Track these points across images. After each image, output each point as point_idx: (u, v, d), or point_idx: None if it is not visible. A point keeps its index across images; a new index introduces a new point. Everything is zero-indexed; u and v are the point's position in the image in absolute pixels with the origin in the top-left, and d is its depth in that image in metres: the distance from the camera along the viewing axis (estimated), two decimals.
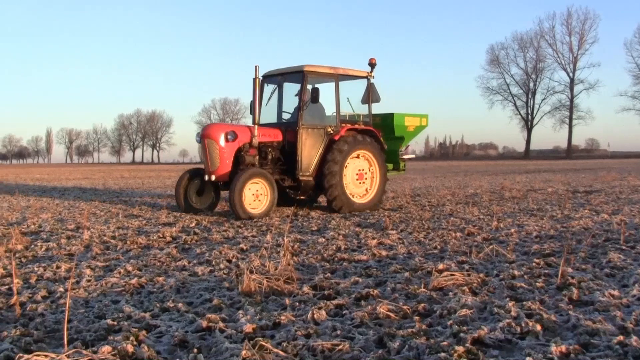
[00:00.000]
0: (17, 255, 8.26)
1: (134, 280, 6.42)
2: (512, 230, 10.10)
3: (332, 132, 14.55)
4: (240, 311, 5.10)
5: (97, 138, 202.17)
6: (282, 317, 4.86)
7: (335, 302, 5.39)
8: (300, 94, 14.51)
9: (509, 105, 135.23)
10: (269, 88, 15.62)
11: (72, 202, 18.31)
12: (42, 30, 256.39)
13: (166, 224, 11.86)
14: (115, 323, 4.82)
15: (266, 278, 6.05)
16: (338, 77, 14.85)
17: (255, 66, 13.72)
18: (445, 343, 4.09)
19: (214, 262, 7.58)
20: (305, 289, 5.95)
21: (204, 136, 13.91)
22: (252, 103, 14.14)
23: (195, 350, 4.14)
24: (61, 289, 6.13)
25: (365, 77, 15.48)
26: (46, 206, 16.90)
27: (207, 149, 13.77)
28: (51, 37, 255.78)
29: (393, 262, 7.49)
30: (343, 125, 14.74)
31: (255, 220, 12.55)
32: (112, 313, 5.22)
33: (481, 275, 6.44)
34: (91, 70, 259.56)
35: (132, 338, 4.27)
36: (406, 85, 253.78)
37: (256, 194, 13.29)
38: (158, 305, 5.47)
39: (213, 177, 13.73)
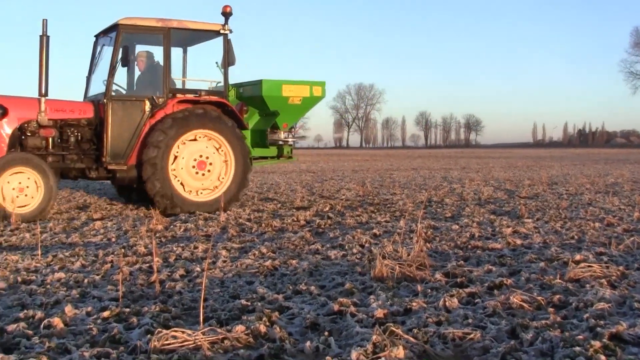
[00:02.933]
0: (157, 235, 8.57)
1: (268, 262, 6.54)
2: None
3: (156, 106, 11.44)
4: (371, 296, 5.10)
5: None
6: (414, 304, 4.83)
7: (467, 290, 5.31)
8: (112, 55, 11.31)
9: None
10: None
11: None
12: None
13: (300, 208, 12.02)
14: (249, 303, 4.92)
15: (398, 264, 6.02)
16: (169, 32, 11.53)
17: (43, 20, 10.61)
18: (580, 337, 3.94)
19: (347, 247, 7.61)
20: (438, 275, 5.89)
21: None
22: (39, 69, 10.70)
23: (326, 333, 4.18)
24: (198, 269, 6.32)
25: (217, 33, 12.11)
26: None
27: None
28: None
29: (528, 251, 7.30)
30: (177, 96, 11.68)
31: (388, 205, 12.44)
32: (246, 293, 5.34)
33: (620, 267, 6.17)
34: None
35: (264, 319, 4.34)
36: (545, 72, 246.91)
37: (21, 188, 10.33)
38: (291, 287, 5.55)
39: None
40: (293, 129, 13.48)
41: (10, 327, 4.24)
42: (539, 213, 10.97)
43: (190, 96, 11.73)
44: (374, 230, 8.82)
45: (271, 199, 13.93)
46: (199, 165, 11.64)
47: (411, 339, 3.98)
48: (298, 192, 15.77)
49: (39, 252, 7.20)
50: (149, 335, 4.02)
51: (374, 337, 3.85)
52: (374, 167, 34.08)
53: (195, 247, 7.59)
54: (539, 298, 4.99)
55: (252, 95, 12.85)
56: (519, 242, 7.87)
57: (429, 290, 5.37)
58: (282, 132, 13.02)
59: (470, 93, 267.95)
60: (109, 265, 6.61)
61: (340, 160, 46.43)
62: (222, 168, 11.83)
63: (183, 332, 3.98)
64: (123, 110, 11.29)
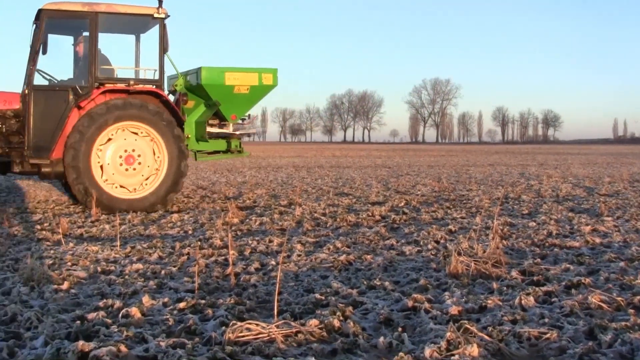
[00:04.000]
0: (233, 228, 8.66)
1: (342, 257, 6.54)
2: None
3: (80, 96, 10.65)
4: (446, 293, 5.05)
5: (309, 117, 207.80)
6: (489, 301, 4.76)
7: (544, 288, 5.20)
8: (33, 42, 10.70)
9: None
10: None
11: (285, 179, 18.96)
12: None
13: (376, 203, 11.98)
14: (323, 298, 4.93)
15: (474, 260, 5.95)
16: (96, 17, 10.71)
17: None
18: None
19: (421, 243, 7.56)
20: (514, 273, 5.80)
21: None
22: None
23: (400, 329, 4.16)
24: (273, 262, 6.36)
25: (151, 17, 11.22)
26: (261, 182, 17.63)
27: None
28: (267, 19, 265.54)
29: (607, 250, 7.11)
30: (107, 84, 10.91)
31: (464, 201, 12.31)
32: (321, 288, 5.34)
33: None
34: (304, 51, 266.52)
35: (338, 313, 4.34)
36: (627, 65, 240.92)
37: None
38: (365, 282, 5.53)
39: None
40: (245, 121, 12.55)
41: (91, 316, 4.34)
42: (620, 211, 10.68)
43: (120, 85, 10.95)
44: (450, 227, 8.73)
45: (346, 194, 13.93)
46: (127, 160, 10.87)
47: (486, 337, 3.92)
48: (373, 187, 15.74)
49: (118, 243, 7.37)
50: (223, 327, 4.06)
51: (448, 334, 3.80)
52: (450, 162, 33.78)
53: (271, 241, 7.64)
54: (619, 299, 4.85)
55: (193, 84, 11.80)
56: (598, 240, 7.67)
57: (505, 288, 5.28)
58: (230, 125, 12.22)
59: (548, 88, 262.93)
60: (186, 257, 6.71)
61: (416, 156, 46.19)
62: (154, 164, 11.00)
63: (257, 325, 4.00)
64: (46, 100, 10.65)
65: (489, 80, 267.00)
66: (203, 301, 4.77)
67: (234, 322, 4.04)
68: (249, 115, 12.57)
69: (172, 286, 5.39)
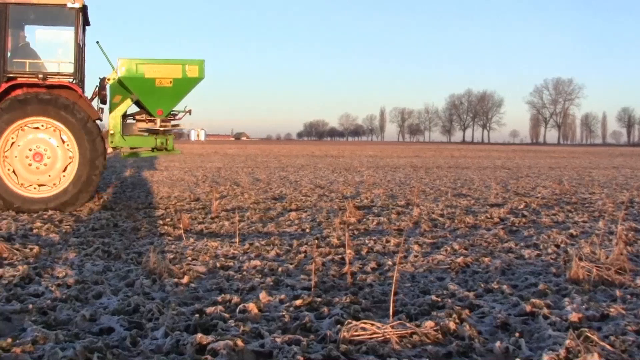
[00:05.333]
0: (350, 227, 8.68)
1: (459, 259, 6.46)
2: None
3: None
4: (566, 299, 4.91)
5: (428, 117, 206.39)
6: (611, 309, 4.59)
7: None
8: None
9: None
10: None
11: (403, 179, 18.88)
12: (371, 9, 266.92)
13: (494, 205, 11.78)
14: (439, 299, 4.88)
15: (596, 266, 5.75)
16: (7, 8, 10.30)
17: None
18: None
19: (541, 246, 7.37)
20: (639, 281, 5.57)
21: None
22: None
23: (517, 334, 4.07)
24: (389, 262, 6.34)
25: (65, 6, 10.60)
26: (378, 182, 17.60)
27: None
28: (387, 18, 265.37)
29: None
30: (20, 79, 10.54)
31: (587, 205, 11.93)
32: (437, 289, 5.29)
33: None
34: (423, 51, 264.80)
35: (454, 316, 4.29)
36: None
37: None
38: (482, 285, 5.44)
39: None
40: (174, 116, 11.56)
41: (209, 310, 4.45)
42: None
43: (33, 80, 10.51)
44: (571, 231, 8.48)
45: (465, 195, 13.74)
46: (35, 157, 10.29)
47: (607, 346, 3.79)
48: (492, 188, 15.47)
49: (237, 239, 7.51)
50: (338, 326, 4.08)
51: (568, 341, 3.70)
52: (571, 164, 32.82)
53: (388, 241, 7.62)
54: None
55: (115, 77, 11.09)
56: None
57: (629, 296, 5.08)
58: (158, 120, 11.31)
59: None
60: (303, 255, 6.77)
61: (537, 157, 45.09)
62: (66, 162, 10.41)
63: (372, 325, 4.00)
64: None
65: (614, 80, 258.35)
66: (319, 299, 4.81)
67: (349, 321, 4.05)
68: (190, 110, 11.75)
69: (289, 283, 5.45)
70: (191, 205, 11.25)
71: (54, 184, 10.34)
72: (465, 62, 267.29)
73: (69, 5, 10.44)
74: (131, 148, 11.62)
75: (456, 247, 7.25)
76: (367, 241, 7.64)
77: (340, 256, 6.66)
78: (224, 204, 11.31)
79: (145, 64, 10.88)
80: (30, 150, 10.26)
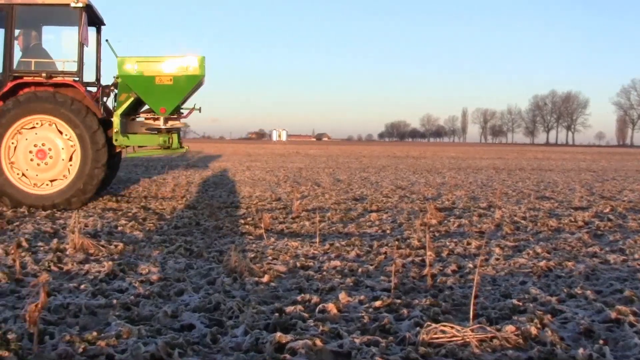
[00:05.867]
0: (431, 229, 8.63)
1: (542, 263, 6.35)
2: None
3: None
4: None
5: (511, 118, 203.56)
6: None
7: None
8: None
9: None
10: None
11: (485, 181, 18.65)
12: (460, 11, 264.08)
13: (579, 208, 11.53)
14: (521, 304, 4.81)
15: None
16: (13, 9, 10.61)
17: None
18: None
19: (627, 251, 7.19)
20: None
21: None
22: None
23: (601, 341, 3.98)
24: (470, 265, 6.28)
25: (67, 6, 10.80)
26: (460, 184, 17.44)
27: None
28: (470, 19, 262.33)
29: None
30: (26, 77, 10.82)
31: None
32: (518, 293, 5.22)
33: None
34: (506, 51, 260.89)
35: (536, 321, 4.22)
36: None
37: None
38: (565, 290, 5.34)
39: None
40: (180, 114, 11.58)
41: (289, 309, 4.49)
42: None
43: (39, 78, 10.80)
44: None
45: (548, 198, 13.50)
46: (38, 154, 10.56)
47: None
48: (577, 191, 15.15)
49: (318, 240, 7.55)
50: (418, 328, 4.07)
51: None
52: None
53: (469, 243, 7.55)
54: None
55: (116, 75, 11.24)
56: None
57: None
58: (161, 118, 11.28)
59: None
60: (383, 256, 6.76)
61: (623, 160, 43.92)
62: (69, 159, 10.65)
63: (452, 328, 3.97)
64: None
65: None
66: (399, 301, 4.80)
67: (429, 323, 4.04)
68: (199, 108, 11.87)
69: (368, 284, 5.46)
70: (272, 205, 11.36)
71: (64, 176, 10.59)
72: (549, 62, 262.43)
73: (72, 5, 10.65)
74: (137, 147, 11.82)
75: (539, 250, 7.13)
76: (447, 243, 7.58)
77: (420, 258, 6.63)
78: (305, 204, 11.38)
79: (145, 61, 10.84)
80: (34, 146, 10.53)
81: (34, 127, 10.55)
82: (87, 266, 5.95)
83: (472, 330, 3.95)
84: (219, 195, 13.20)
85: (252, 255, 6.65)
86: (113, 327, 4.00)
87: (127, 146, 11.54)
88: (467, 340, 3.87)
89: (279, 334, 3.83)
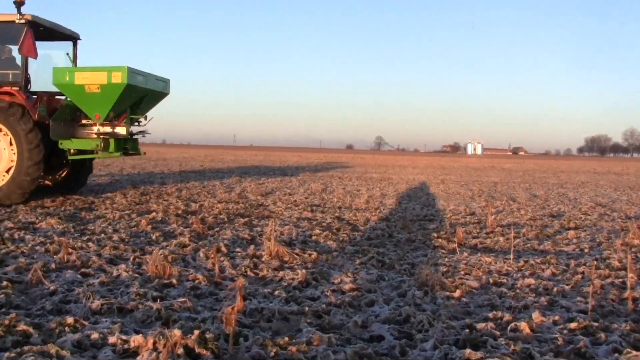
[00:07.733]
0: (633, 249, 8.19)
1: None
2: None
3: None
4: None
5: None
6: None
7: None
8: None
9: None
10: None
11: None
12: None
13: None
14: None
15: None
16: None
17: None
18: None
19: None
20: None
21: None
22: None
23: None
24: None
25: (14, 23, 11.61)
26: None
27: None
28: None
29: None
30: None
31: None
32: None
33: None
34: None
35: None
36: None
37: None
38: None
39: None
40: (138, 123, 12.86)
41: (480, 325, 4.42)
42: None
43: None
44: None
45: None
46: None
47: None
48: None
49: (512, 256, 7.38)
50: (616, 354, 3.88)
51: None
52: None
53: None
54: None
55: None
56: None
57: None
58: (96, 124, 12.25)
59: None
60: (580, 276, 6.50)
61: None
62: (10, 162, 11.50)
63: None
64: None
65: None
66: (596, 324, 4.60)
67: (629, 350, 3.84)
68: (150, 117, 13.16)
69: (564, 305, 5.27)
70: (466, 219, 11.23)
71: (7, 172, 11.47)
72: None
73: (16, 21, 11.59)
74: (78, 151, 12.55)
75: None
76: None
77: (621, 280, 6.30)
78: (500, 219, 11.17)
79: (76, 71, 11.75)
80: None
81: None
82: (281, 273, 6.15)
83: None
84: (412, 207, 13.21)
85: (444, 269, 6.60)
86: (304, 334, 4.11)
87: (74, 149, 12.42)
88: None
89: (468, 350, 3.78)
